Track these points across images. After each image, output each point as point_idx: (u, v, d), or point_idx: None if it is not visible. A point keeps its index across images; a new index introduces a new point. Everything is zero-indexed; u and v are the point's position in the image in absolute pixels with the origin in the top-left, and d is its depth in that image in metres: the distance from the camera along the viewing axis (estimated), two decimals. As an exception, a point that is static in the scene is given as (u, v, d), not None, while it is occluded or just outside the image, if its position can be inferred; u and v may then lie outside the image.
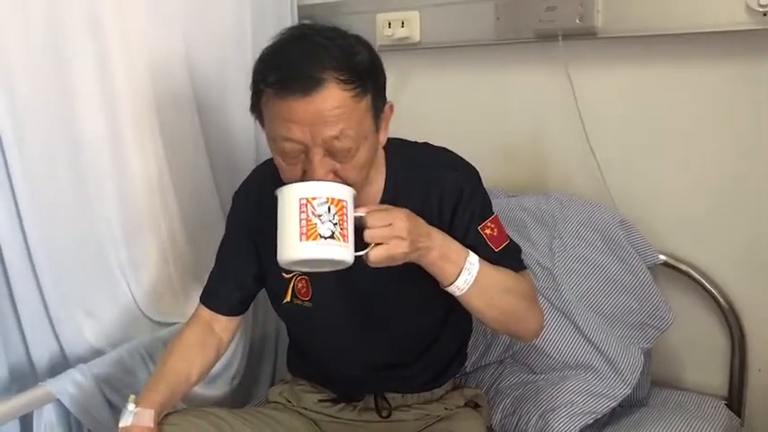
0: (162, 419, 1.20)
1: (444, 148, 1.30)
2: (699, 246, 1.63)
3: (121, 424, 1.16)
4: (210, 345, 1.34)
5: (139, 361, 1.51)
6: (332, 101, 1.05)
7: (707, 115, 1.58)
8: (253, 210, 1.32)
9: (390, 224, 1.06)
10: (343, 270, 1.08)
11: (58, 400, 1.36)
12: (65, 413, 1.39)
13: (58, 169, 1.40)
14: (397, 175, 1.24)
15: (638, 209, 1.66)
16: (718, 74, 1.55)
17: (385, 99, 1.16)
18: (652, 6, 1.51)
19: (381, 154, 1.23)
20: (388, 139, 1.20)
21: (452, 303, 1.20)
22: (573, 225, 1.64)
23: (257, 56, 1.12)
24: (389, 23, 1.84)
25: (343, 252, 1.05)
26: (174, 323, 1.60)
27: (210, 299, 1.36)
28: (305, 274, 1.27)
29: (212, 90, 1.71)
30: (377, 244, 1.06)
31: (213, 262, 1.39)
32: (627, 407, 1.55)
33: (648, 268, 1.59)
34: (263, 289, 1.38)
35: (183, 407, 1.41)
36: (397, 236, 1.06)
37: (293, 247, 1.04)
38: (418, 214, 1.13)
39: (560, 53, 1.65)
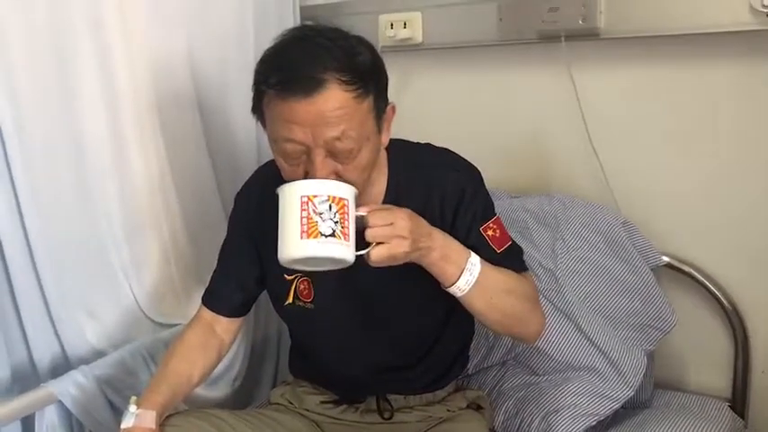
0: (163, 421, 1.20)
1: (446, 149, 1.30)
2: (702, 247, 1.63)
3: (123, 425, 1.16)
4: (212, 346, 1.34)
5: (141, 362, 1.51)
6: (334, 102, 1.05)
7: (710, 116, 1.57)
8: (255, 211, 1.32)
9: (392, 223, 1.06)
10: (344, 270, 1.08)
11: (60, 401, 1.37)
12: (66, 414, 1.39)
13: (59, 169, 1.40)
14: (399, 176, 1.24)
15: (641, 210, 1.66)
16: (721, 74, 1.54)
17: (387, 100, 1.16)
18: (655, 7, 1.51)
19: (383, 155, 1.23)
20: (391, 139, 1.20)
21: (454, 304, 1.19)
22: (575, 226, 1.63)
23: (259, 56, 1.12)
24: (392, 24, 1.84)
25: (344, 250, 1.04)
26: (176, 324, 1.60)
27: (212, 300, 1.36)
28: (306, 275, 1.27)
29: (214, 90, 1.71)
30: (378, 243, 1.06)
31: (215, 262, 1.39)
32: (630, 408, 1.55)
33: (651, 269, 1.58)
34: (265, 290, 1.38)
35: (185, 408, 1.40)
36: (399, 235, 1.06)
37: (294, 245, 1.04)
38: (420, 215, 1.13)
39: (563, 54, 1.65)
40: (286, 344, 1.67)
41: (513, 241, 1.27)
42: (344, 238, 1.04)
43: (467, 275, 1.13)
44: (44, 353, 1.43)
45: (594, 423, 1.42)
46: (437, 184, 1.23)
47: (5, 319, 1.39)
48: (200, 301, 1.38)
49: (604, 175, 1.68)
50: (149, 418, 1.16)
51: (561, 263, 1.60)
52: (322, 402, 1.41)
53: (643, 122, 1.65)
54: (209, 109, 1.71)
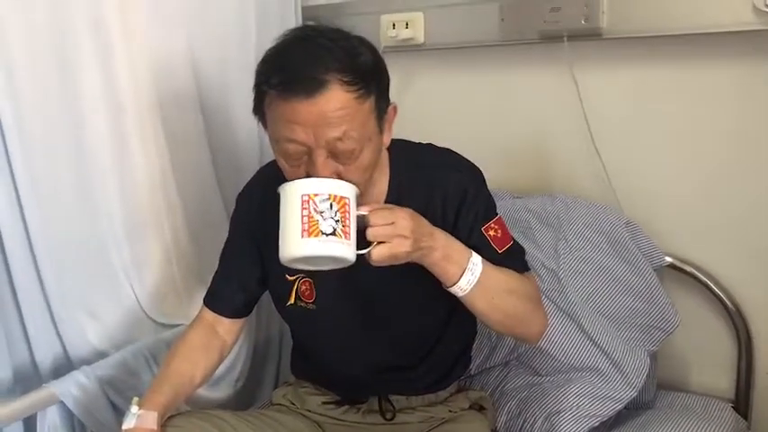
0: (165, 422, 1.20)
1: (448, 150, 1.30)
2: (705, 247, 1.62)
3: (125, 426, 1.16)
4: (214, 347, 1.34)
5: (143, 363, 1.51)
6: (335, 102, 1.05)
7: (713, 116, 1.57)
8: (256, 212, 1.32)
9: (393, 223, 1.06)
10: (345, 270, 1.08)
11: (62, 401, 1.37)
12: (68, 415, 1.40)
13: (60, 169, 1.40)
14: (400, 177, 1.24)
15: (644, 210, 1.66)
16: (724, 74, 1.54)
17: (388, 100, 1.16)
18: (657, 7, 1.51)
19: (385, 155, 1.23)
20: (392, 140, 1.20)
21: (455, 304, 1.19)
22: (578, 227, 1.63)
23: (261, 56, 1.12)
24: (394, 24, 1.84)
25: (345, 249, 1.04)
26: (178, 325, 1.60)
27: (214, 301, 1.36)
28: (308, 276, 1.27)
29: (215, 90, 1.71)
30: (379, 243, 1.05)
31: (216, 262, 1.39)
32: (633, 409, 1.55)
33: (654, 270, 1.58)
34: (267, 291, 1.38)
35: (187, 409, 1.40)
36: (400, 234, 1.06)
37: (294, 244, 1.04)
38: (422, 215, 1.13)
39: (565, 54, 1.64)
40: (288, 345, 1.66)
41: (515, 241, 1.26)
42: (345, 237, 1.04)
43: (468, 275, 1.13)
44: (46, 353, 1.43)
45: (597, 424, 1.42)
46: (439, 185, 1.23)
47: (7, 320, 1.39)
48: (201, 301, 1.38)
49: (607, 176, 1.68)
50: (151, 419, 1.16)
51: (564, 263, 1.59)
52: (324, 403, 1.41)
53: (646, 122, 1.64)
54: (210, 108, 1.71)
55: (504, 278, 1.19)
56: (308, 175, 1.09)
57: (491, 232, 1.22)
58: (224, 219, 1.70)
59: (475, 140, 1.55)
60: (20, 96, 1.31)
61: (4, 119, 1.29)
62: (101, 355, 1.48)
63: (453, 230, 1.19)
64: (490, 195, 1.28)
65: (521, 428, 1.45)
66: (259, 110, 1.14)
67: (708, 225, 1.61)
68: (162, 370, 1.30)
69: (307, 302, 1.29)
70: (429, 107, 1.89)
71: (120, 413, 1.39)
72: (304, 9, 1.91)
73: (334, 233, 1.03)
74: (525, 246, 1.33)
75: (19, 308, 1.39)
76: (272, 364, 1.95)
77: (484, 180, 1.28)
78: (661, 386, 1.65)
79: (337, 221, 1.03)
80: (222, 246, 1.40)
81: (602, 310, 1.55)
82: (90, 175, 1.44)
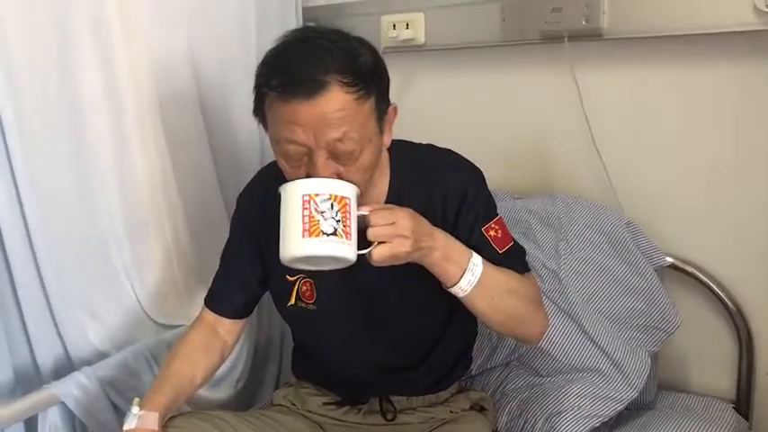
0: (166, 422, 1.20)
1: (449, 150, 1.30)
2: (706, 248, 1.62)
3: (126, 427, 1.16)
4: (215, 348, 1.34)
5: (144, 363, 1.51)
6: (335, 103, 1.05)
7: (714, 116, 1.57)
8: (257, 212, 1.32)
9: (394, 223, 1.06)
10: (345, 270, 1.08)
11: (63, 402, 1.37)
12: (69, 416, 1.40)
13: (60, 169, 1.40)
14: (401, 177, 1.24)
15: (645, 211, 1.66)
16: (725, 75, 1.54)
17: (388, 101, 1.16)
18: (658, 7, 1.51)
19: (385, 156, 1.23)
20: (393, 140, 1.20)
21: (456, 305, 1.19)
22: (579, 227, 1.63)
23: (261, 56, 1.12)
24: (394, 25, 1.84)
25: (346, 249, 1.04)
26: (179, 325, 1.60)
27: (215, 302, 1.36)
28: (309, 276, 1.27)
29: (216, 90, 1.71)
30: (380, 242, 1.05)
31: (217, 262, 1.40)
32: (634, 410, 1.54)
33: (655, 270, 1.58)
34: (268, 292, 1.38)
35: (188, 410, 1.40)
36: (401, 234, 1.06)
37: (295, 244, 1.03)
38: (422, 215, 1.13)
39: (566, 54, 1.64)
40: (289, 345, 1.67)
41: (516, 242, 1.26)
42: (346, 237, 1.04)
43: (469, 276, 1.13)
44: (47, 354, 1.43)
45: (598, 425, 1.41)
46: (439, 185, 1.23)
47: (8, 321, 1.39)
48: (202, 301, 1.38)
49: (608, 176, 1.67)
50: (152, 420, 1.16)
51: (564, 264, 1.59)
52: (325, 404, 1.41)
53: (646, 123, 1.64)
54: (211, 108, 1.71)
55: (504, 278, 1.19)
56: (309, 176, 1.09)
57: (491, 232, 1.22)
58: (225, 219, 1.70)
59: (475, 141, 1.55)
60: (20, 96, 1.31)
61: (5, 118, 1.30)
62: (102, 355, 1.49)
63: (453, 231, 1.19)
64: (490, 196, 1.28)
65: (521, 429, 1.44)
66: (259, 111, 1.14)
67: (708, 225, 1.61)
68: (163, 371, 1.30)
69: (307, 303, 1.29)
70: (430, 108, 1.89)
71: (121, 414, 1.39)
72: (304, 9, 1.91)
73: (335, 233, 1.03)
74: (526, 246, 1.33)
75: (20, 308, 1.39)
76: (272, 364, 1.95)
77: (484, 180, 1.28)
78: (662, 387, 1.65)
79: (338, 221, 1.03)
80: (223, 246, 1.40)
81: (602, 310, 1.55)
82: (90, 174, 1.45)
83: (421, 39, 1.83)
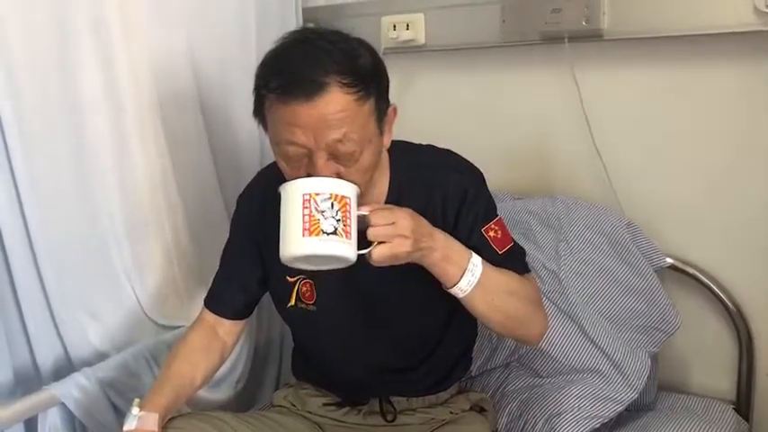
0: (166, 423, 1.20)
1: (449, 151, 1.30)
2: (706, 249, 1.62)
3: (125, 428, 1.16)
4: (215, 348, 1.34)
5: (144, 364, 1.51)
6: (335, 104, 1.05)
7: (714, 117, 1.57)
8: (257, 213, 1.32)
9: (394, 222, 1.06)
10: (345, 271, 1.08)
11: (63, 403, 1.37)
12: (69, 417, 1.40)
13: (60, 169, 1.40)
14: (401, 177, 1.24)
15: (645, 211, 1.65)
16: (725, 75, 1.54)
17: (388, 102, 1.16)
18: (658, 8, 1.51)
19: (385, 156, 1.23)
20: (393, 141, 1.20)
21: (456, 305, 1.19)
22: (579, 228, 1.63)
23: (261, 57, 1.12)
24: (394, 26, 1.84)
25: (346, 248, 1.04)
26: (179, 326, 1.60)
27: (215, 303, 1.36)
28: (309, 277, 1.27)
29: (216, 90, 1.71)
30: (380, 242, 1.05)
31: (217, 263, 1.40)
32: (634, 411, 1.54)
33: (655, 271, 1.58)
34: (268, 293, 1.38)
35: (188, 410, 1.40)
36: (401, 234, 1.06)
37: (295, 243, 1.03)
38: (422, 216, 1.12)
39: (566, 55, 1.64)
40: (289, 346, 1.66)
41: (516, 242, 1.26)
42: (346, 237, 1.04)
43: (468, 276, 1.13)
44: (47, 355, 1.43)
45: (598, 426, 1.41)
46: (439, 186, 1.23)
47: (8, 321, 1.39)
48: (202, 302, 1.38)
49: (608, 177, 1.67)
50: (152, 421, 1.16)
51: (565, 264, 1.59)
52: (325, 405, 1.41)
53: (647, 123, 1.64)
54: (211, 109, 1.71)
55: (504, 279, 1.19)
56: (309, 177, 1.09)
57: (491, 233, 1.22)
58: (225, 219, 1.70)
59: (475, 141, 1.55)
60: (20, 96, 1.31)
61: (5, 118, 1.29)
62: (101, 356, 1.49)
63: (453, 231, 1.19)
64: (490, 196, 1.28)
65: (521, 430, 1.44)
66: (259, 113, 1.14)
67: (709, 226, 1.61)
68: (163, 372, 1.30)
69: (307, 304, 1.29)
70: (430, 108, 1.89)
71: (120, 415, 1.39)
72: (304, 10, 1.91)
73: (335, 232, 1.03)
74: (526, 247, 1.33)
75: (20, 309, 1.39)
76: (272, 365, 1.95)
77: (484, 181, 1.28)
78: (662, 387, 1.65)
79: (338, 221, 1.03)
80: (223, 247, 1.40)
81: (602, 311, 1.55)
82: (90, 175, 1.45)
83: (421, 39, 1.83)
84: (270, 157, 1.22)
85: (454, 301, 1.17)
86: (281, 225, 1.06)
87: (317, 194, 1.03)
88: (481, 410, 1.43)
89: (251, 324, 1.78)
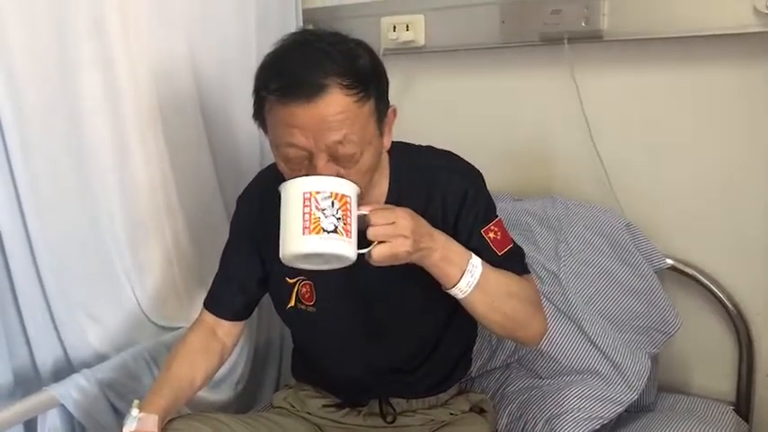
0: (166, 425, 1.20)
1: (449, 152, 1.30)
2: (706, 250, 1.62)
3: (125, 429, 1.15)
4: (214, 350, 1.34)
5: (143, 366, 1.51)
6: (335, 106, 1.05)
7: (713, 118, 1.57)
8: (256, 214, 1.32)
9: (394, 222, 1.06)
10: (345, 272, 1.08)
11: (63, 404, 1.37)
12: (69, 418, 1.40)
13: (60, 170, 1.40)
14: (401, 179, 1.24)
15: (645, 212, 1.65)
16: (725, 77, 1.54)
17: (388, 103, 1.16)
18: (658, 9, 1.51)
19: (385, 158, 1.23)
20: (393, 142, 1.20)
21: (455, 306, 1.19)
22: (579, 229, 1.63)
23: (261, 59, 1.12)
24: (394, 27, 1.84)
25: (346, 247, 1.03)
26: (178, 327, 1.60)
27: (214, 304, 1.36)
28: (308, 278, 1.27)
29: (216, 92, 1.71)
30: (380, 242, 1.05)
31: (217, 264, 1.39)
32: (634, 412, 1.54)
33: (655, 272, 1.58)
34: (268, 294, 1.38)
35: (188, 412, 1.40)
36: (401, 234, 1.06)
37: (295, 241, 1.03)
38: (422, 217, 1.12)
39: (566, 56, 1.64)
40: (289, 347, 1.66)
41: (515, 244, 1.26)
42: (347, 235, 1.03)
43: (468, 277, 1.13)
44: (46, 356, 1.43)
45: (598, 427, 1.41)
46: (439, 187, 1.23)
47: (8, 322, 1.39)
48: (202, 303, 1.38)
49: (607, 178, 1.67)
50: (152, 422, 1.16)
51: (564, 266, 1.59)
52: (324, 406, 1.41)
53: (646, 124, 1.64)
54: (211, 110, 1.71)
55: (504, 280, 1.19)
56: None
57: (491, 234, 1.22)
58: (225, 221, 1.70)
59: (475, 143, 1.55)
60: (20, 97, 1.31)
61: (5, 119, 1.29)
62: (101, 357, 1.48)
63: (453, 233, 1.19)
64: (490, 197, 1.28)
65: (521, 431, 1.44)
66: (259, 115, 1.14)
67: (709, 227, 1.61)
68: (162, 373, 1.29)
69: (307, 305, 1.29)
70: (430, 110, 1.89)
71: (120, 416, 1.38)
72: (304, 11, 1.91)
73: (335, 230, 1.02)
74: (526, 248, 1.33)
75: (19, 310, 1.39)
76: (272, 366, 1.95)
77: (484, 182, 1.28)
78: (662, 389, 1.65)
79: (339, 219, 1.03)
80: (222, 248, 1.40)
81: (602, 312, 1.55)
82: (90, 176, 1.44)
83: (421, 40, 1.83)
84: (270, 159, 1.22)
85: (454, 302, 1.17)
86: (281, 224, 1.05)
87: (318, 193, 1.03)
88: (481, 411, 1.43)
89: (251, 325, 1.78)
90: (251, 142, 1.78)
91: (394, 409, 1.37)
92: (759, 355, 1.60)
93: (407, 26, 1.83)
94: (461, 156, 1.29)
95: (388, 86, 1.16)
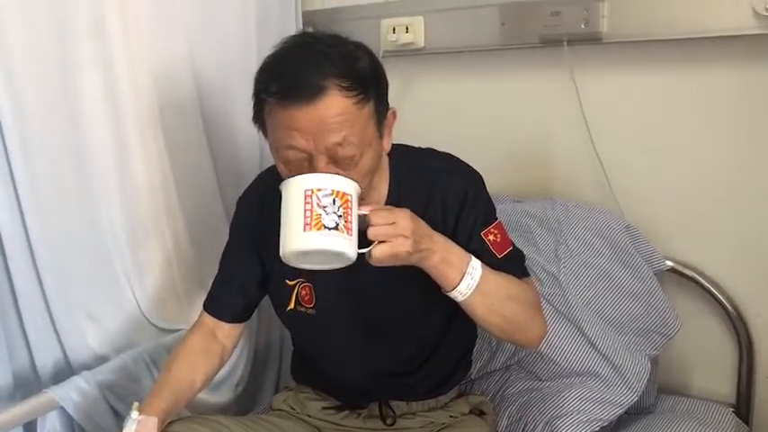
0: (165, 427, 1.19)
1: (449, 154, 1.30)
2: (706, 252, 1.62)
3: (125, 431, 1.15)
4: (214, 352, 1.34)
5: (143, 368, 1.51)
6: (335, 108, 1.05)
7: (712, 120, 1.57)
8: (256, 216, 1.32)
9: (394, 222, 1.06)
10: (345, 274, 1.08)
11: (62, 407, 1.37)
12: (68, 420, 1.40)
13: (60, 172, 1.40)
14: (401, 181, 1.24)
15: (645, 214, 1.65)
16: (724, 79, 1.54)
17: (387, 105, 1.16)
18: (657, 11, 1.51)
19: (385, 160, 1.23)
20: (393, 144, 1.20)
21: (455, 309, 1.19)
22: (579, 231, 1.63)
23: (261, 60, 1.12)
24: (394, 29, 1.84)
25: (347, 245, 1.03)
26: (178, 329, 1.60)
27: (214, 306, 1.36)
28: (308, 280, 1.27)
29: (216, 94, 1.71)
30: (380, 242, 1.05)
31: (217, 266, 1.39)
32: (634, 414, 1.54)
33: (655, 274, 1.58)
34: (267, 296, 1.38)
35: (188, 414, 1.40)
36: (401, 234, 1.06)
37: (296, 237, 1.02)
38: (422, 219, 1.12)
39: (565, 58, 1.64)
40: (288, 349, 1.66)
41: (515, 246, 1.26)
42: (348, 233, 1.03)
43: (468, 279, 1.13)
44: (46, 358, 1.43)
45: (598, 429, 1.41)
46: (439, 189, 1.23)
47: (7, 324, 1.39)
48: (201, 305, 1.38)
49: (607, 180, 1.67)
50: (151, 425, 1.15)
51: (564, 267, 1.59)
52: (324, 408, 1.41)
53: (646, 126, 1.64)
54: (211, 112, 1.71)
55: (503, 283, 1.19)
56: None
57: (491, 237, 1.22)
58: (225, 223, 1.70)
59: (475, 144, 1.55)
60: (20, 97, 1.31)
61: (5, 120, 1.29)
62: (101, 359, 1.48)
63: (453, 235, 1.19)
64: (490, 200, 1.28)
65: (521, 433, 1.45)
66: (259, 118, 1.14)
67: (709, 229, 1.61)
68: (162, 375, 1.29)
69: (306, 307, 1.29)
70: (429, 112, 1.89)
71: (120, 418, 1.39)
72: (304, 14, 1.91)
73: (336, 227, 1.02)
74: (526, 250, 1.33)
75: (19, 312, 1.39)
76: (272, 368, 1.95)
77: (484, 184, 1.28)
78: (662, 390, 1.65)
79: (340, 217, 1.02)
80: (222, 250, 1.40)
81: (602, 314, 1.55)
82: (90, 177, 1.45)
83: (420, 42, 1.83)
84: (269, 161, 1.22)
85: (453, 304, 1.17)
86: (281, 221, 1.05)
87: (320, 190, 1.03)
88: (481, 414, 1.43)
89: (251, 327, 1.78)
90: (251, 144, 1.79)
91: (394, 412, 1.37)
92: (759, 356, 1.60)
93: (407, 28, 1.83)
94: (461, 158, 1.29)
95: (387, 88, 1.16)
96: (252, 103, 1.14)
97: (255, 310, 1.41)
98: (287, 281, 1.29)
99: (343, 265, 1.06)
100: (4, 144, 1.31)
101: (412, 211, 1.12)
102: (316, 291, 1.28)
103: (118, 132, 1.46)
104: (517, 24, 1.68)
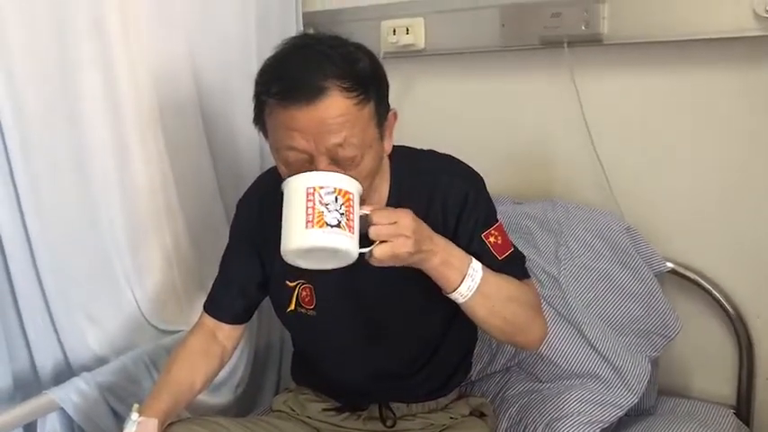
0: (165, 429, 1.19)
1: (449, 156, 1.30)
2: (706, 253, 1.62)
3: (125, 433, 1.15)
4: (214, 353, 1.34)
5: (143, 369, 1.51)
6: (335, 109, 1.05)
7: (713, 122, 1.57)
8: (256, 218, 1.32)
9: (396, 222, 1.06)
10: (345, 274, 1.08)
11: (62, 408, 1.37)
12: (68, 422, 1.39)
13: (61, 173, 1.40)
14: (401, 183, 1.24)
15: (645, 216, 1.65)
16: (725, 80, 1.54)
17: (388, 106, 1.16)
18: (658, 13, 1.51)
19: (386, 162, 1.23)
20: (394, 146, 1.20)
21: (455, 310, 1.19)
22: (579, 232, 1.63)
23: (262, 61, 1.12)
24: (394, 30, 1.84)
25: (349, 242, 1.03)
26: (178, 331, 1.60)
27: (214, 307, 1.36)
28: (308, 282, 1.27)
29: (216, 95, 1.71)
30: (381, 242, 1.05)
31: (217, 268, 1.39)
32: (634, 416, 1.54)
33: (655, 276, 1.57)
34: (268, 297, 1.38)
35: (188, 415, 1.40)
36: (402, 234, 1.06)
37: (298, 235, 1.02)
38: (423, 221, 1.12)
39: (566, 60, 1.64)
40: (289, 351, 1.66)
41: (515, 248, 1.26)
42: (349, 231, 1.03)
43: (468, 281, 1.13)
44: (46, 360, 1.43)
45: (598, 430, 1.41)
46: (440, 191, 1.23)
47: (8, 326, 1.39)
48: (201, 307, 1.38)
49: (608, 181, 1.67)
50: (151, 426, 1.16)
51: (565, 269, 1.59)
52: (324, 410, 1.41)
53: (646, 128, 1.64)
54: (211, 113, 1.71)
55: (504, 285, 1.19)
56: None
57: (491, 239, 1.22)
58: (225, 224, 1.70)
59: (475, 146, 1.55)
60: (20, 97, 1.31)
61: (5, 120, 1.29)
62: (101, 361, 1.48)
63: (454, 237, 1.19)
64: (491, 201, 1.28)
65: (522, 435, 1.44)
66: (259, 119, 1.14)
67: (709, 231, 1.61)
68: (162, 376, 1.29)
69: (307, 309, 1.29)
70: (430, 113, 1.89)
71: (120, 420, 1.39)
72: (304, 15, 1.91)
73: (338, 225, 1.02)
74: (526, 252, 1.33)
75: (19, 313, 1.39)
76: (272, 370, 1.95)
77: (484, 186, 1.28)
78: (662, 392, 1.64)
79: (342, 215, 1.02)
80: (223, 251, 1.40)
81: (602, 315, 1.55)
82: (90, 177, 1.45)
83: (421, 44, 1.83)
84: (270, 162, 1.22)
85: (453, 305, 1.17)
86: (283, 219, 1.05)
87: (322, 188, 1.03)
88: (481, 415, 1.42)
89: (251, 328, 1.77)
90: (251, 145, 1.79)
91: (394, 414, 1.37)
92: (759, 358, 1.60)
93: (407, 29, 1.83)
94: (462, 159, 1.29)
95: (388, 90, 1.16)
96: (252, 104, 1.13)
97: (256, 312, 1.40)
98: (287, 282, 1.29)
99: (344, 264, 1.06)
100: (4, 144, 1.31)
101: (413, 212, 1.12)
102: (316, 292, 1.28)
103: (118, 132, 1.46)
104: (517, 26, 1.68)
